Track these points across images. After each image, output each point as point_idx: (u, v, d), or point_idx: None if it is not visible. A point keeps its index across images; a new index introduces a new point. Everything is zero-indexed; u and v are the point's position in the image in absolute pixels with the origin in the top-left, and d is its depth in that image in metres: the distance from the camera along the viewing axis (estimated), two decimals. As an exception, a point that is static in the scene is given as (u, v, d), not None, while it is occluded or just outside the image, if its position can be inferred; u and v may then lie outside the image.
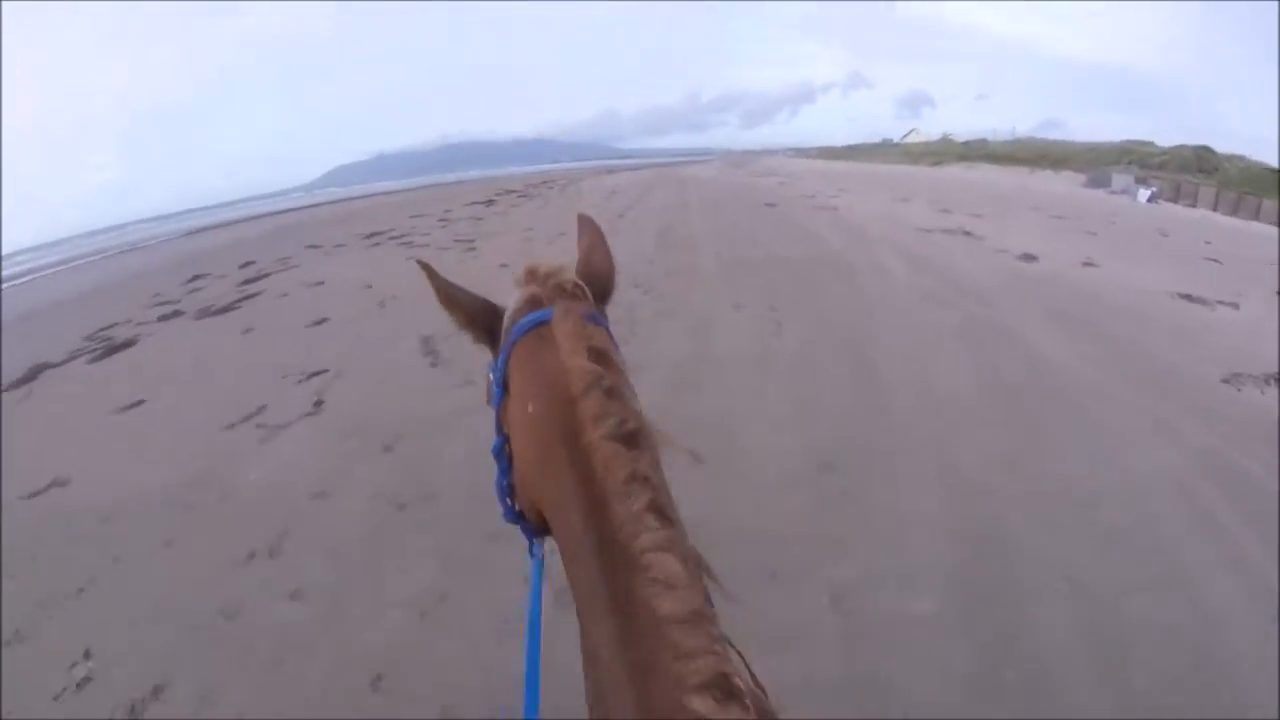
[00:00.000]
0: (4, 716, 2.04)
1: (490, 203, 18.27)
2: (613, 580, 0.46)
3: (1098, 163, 25.16)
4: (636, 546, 0.46)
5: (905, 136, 59.09)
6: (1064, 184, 24.16)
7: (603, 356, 0.58)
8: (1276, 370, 4.31)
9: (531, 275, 0.68)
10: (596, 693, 0.50)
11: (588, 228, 0.81)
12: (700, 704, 0.39)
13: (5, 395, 5.44)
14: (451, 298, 0.74)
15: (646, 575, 0.45)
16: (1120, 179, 22.51)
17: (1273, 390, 4.08)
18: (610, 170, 42.61)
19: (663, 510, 0.49)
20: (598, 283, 0.71)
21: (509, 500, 0.72)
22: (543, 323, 0.62)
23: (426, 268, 0.75)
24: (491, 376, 0.69)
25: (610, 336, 0.65)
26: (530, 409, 0.60)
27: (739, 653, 0.54)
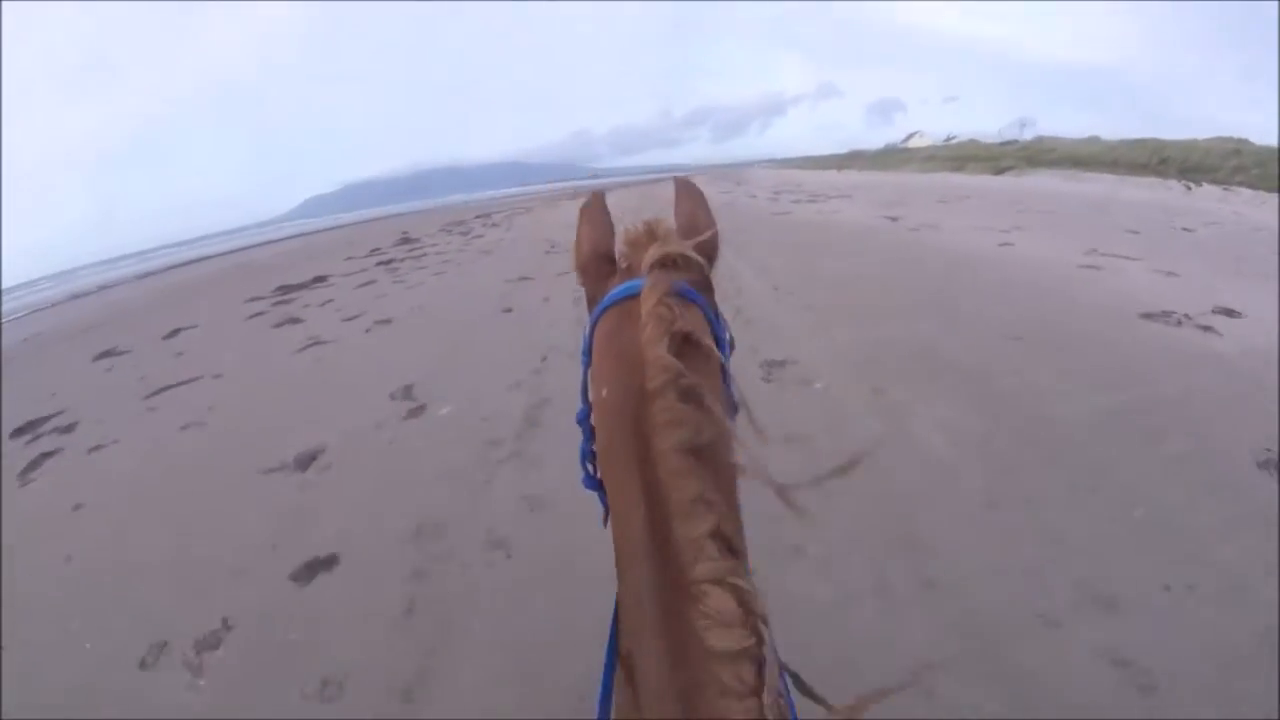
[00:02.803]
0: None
1: (386, 259, 12.65)
2: (664, 598, 0.44)
3: (1201, 168, 19.14)
4: (693, 575, 0.43)
5: (907, 140, 54.13)
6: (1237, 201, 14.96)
7: (690, 344, 0.52)
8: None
9: (629, 240, 0.64)
10: (632, 700, 0.48)
11: (686, 192, 0.73)
12: None
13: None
14: (596, 240, 0.68)
15: (699, 607, 0.42)
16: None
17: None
18: (575, 194, 35.87)
19: (727, 538, 0.45)
20: (700, 250, 0.62)
21: (589, 466, 0.67)
22: (631, 296, 0.56)
23: (597, 202, 0.74)
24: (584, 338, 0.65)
25: (706, 314, 0.59)
26: (604, 394, 0.56)
27: (796, 676, 0.51)
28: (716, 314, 0.62)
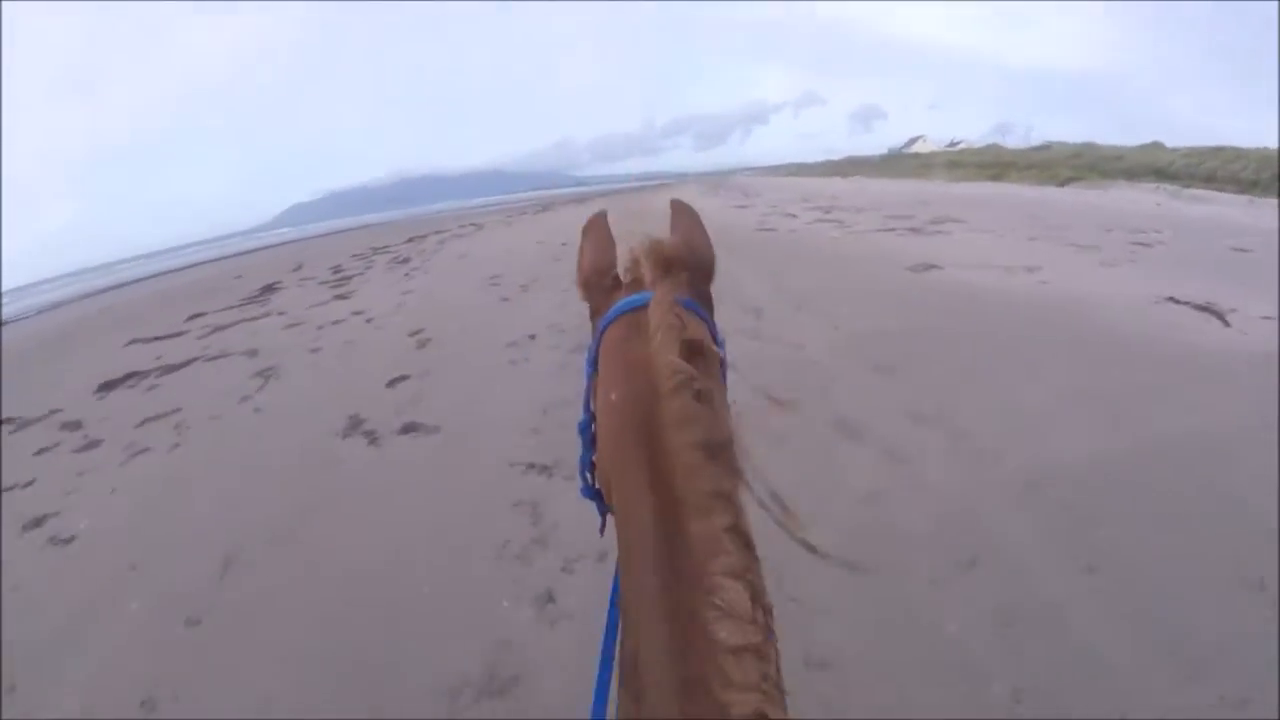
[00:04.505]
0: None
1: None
2: (674, 593, 0.44)
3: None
4: (710, 568, 0.43)
5: (909, 145, 51.44)
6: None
7: (697, 353, 0.54)
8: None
9: (635, 257, 0.66)
10: (634, 694, 0.49)
11: (683, 214, 0.78)
12: None
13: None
14: (599, 256, 0.73)
15: (711, 598, 0.42)
16: None
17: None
18: (543, 207, 32.25)
19: (745, 535, 0.46)
20: (700, 268, 0.68)
21: (588, 476, 0.72)
22: (638, 308, 0.60)
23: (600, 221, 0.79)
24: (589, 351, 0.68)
25: (709, 327, 0.63)
26: (614, 397, 0.58)
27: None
28: (717, 330, 0.66)
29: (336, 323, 7.85)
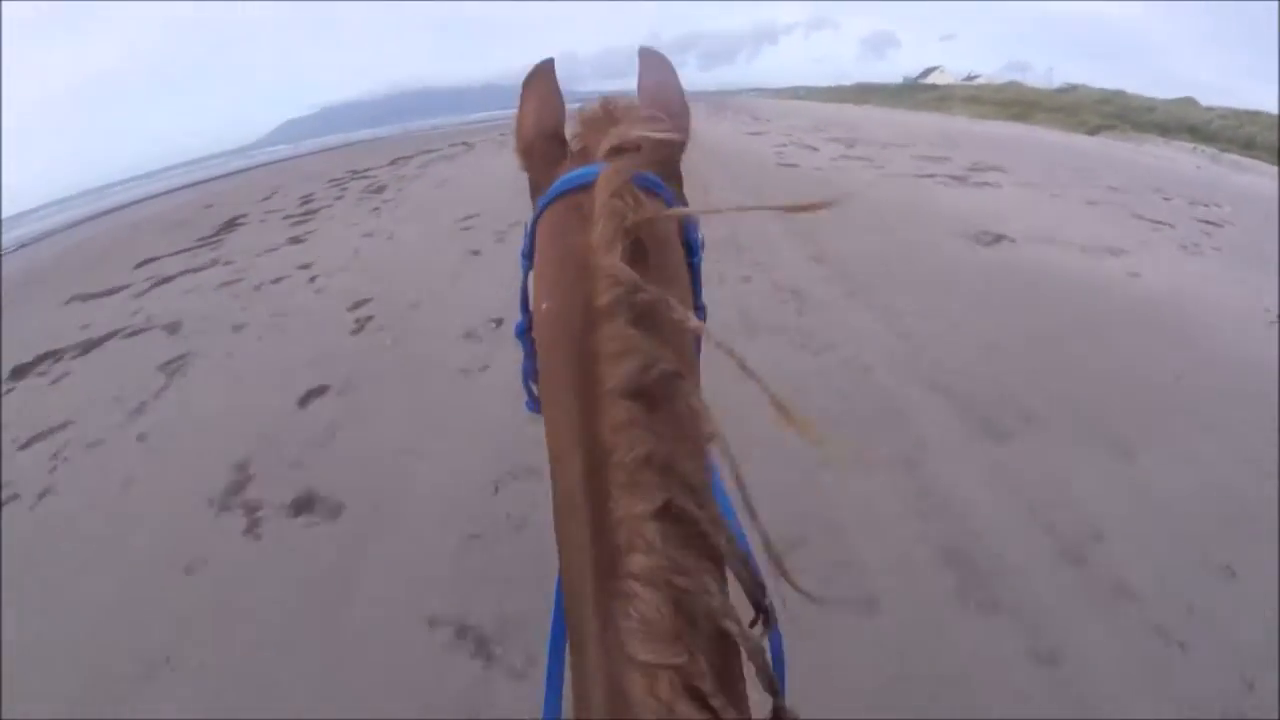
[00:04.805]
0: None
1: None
2: (598, 579, 0.35)
3: None
4: (624, 566, 0.34)
5: (925, 76, 46.74)
6: None
7: (647, 249, 0.42)
8: None
9: (584, 119, 0.55)
10: (579, 688, 0.39)
11: (653, 63, 0.62)
12: None
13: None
14: (543, 117, 0.57)
15: (626, 604, 0.33)
16: None
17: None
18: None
19: (681, 518, 0.35)
20: (670, 134, 0.50)
21: (533, 387, 0.57)
22: (583, 186, 0.46)
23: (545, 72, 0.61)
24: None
25: (672, 209, 0.48)
26: (544, 307, 0.46)
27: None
28: (693, 225, 0.55)
29: (277, 280, 6.56)
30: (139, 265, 8.59)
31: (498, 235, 6.81)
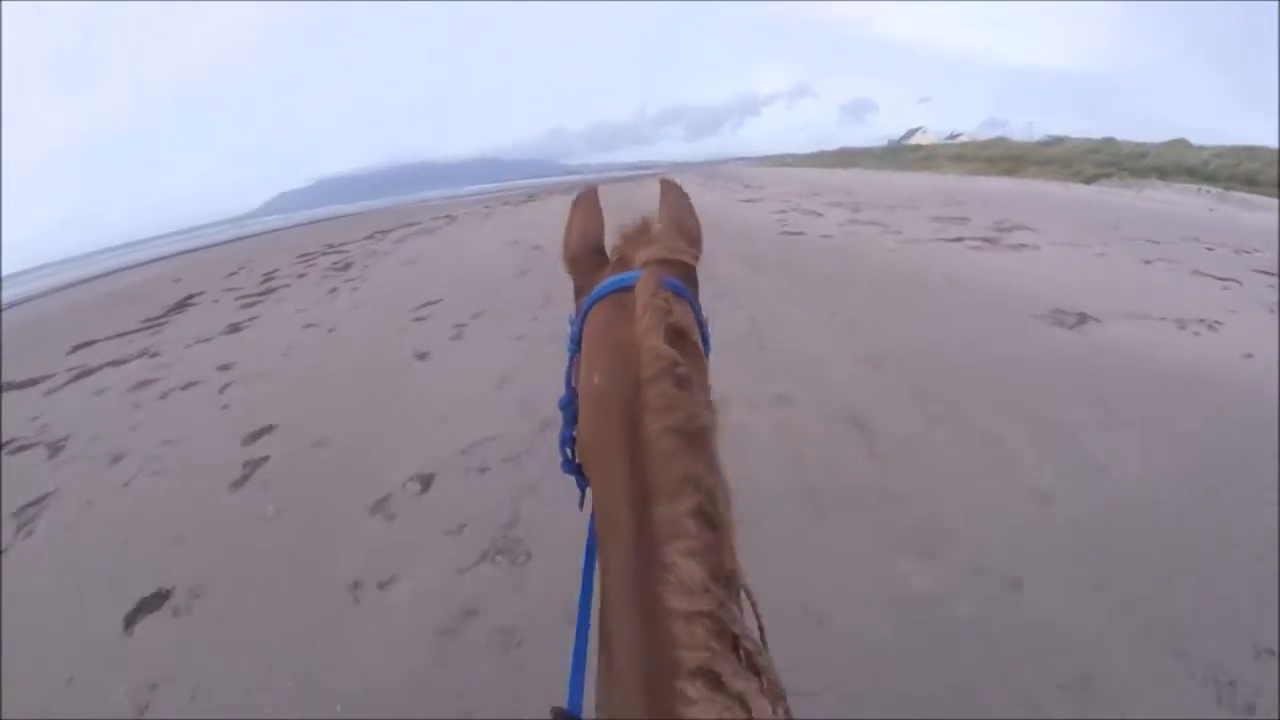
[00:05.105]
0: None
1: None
2: (641, 575, 0.45)
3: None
4: (669, 549, 0.45)
5: (909, 137, 48.25)
6: None
7: (682, 337, 0.55)
8: None
9: (624, 235, 0.67)
10: (608, 660, 0.48)
11: (671, 193, 0.76)
12: (691, 689, 0.40)
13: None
14: (587, 231, 0.72)
15: (667, 576, 0.44)
16: None
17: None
18: (529, 196, 28.95)
19: (708, 516, 0.47)
20: (688, 249, 0.67)
21: (569, 451, 0.71)
22: (625, 288, 0.59)
23: (590, 196, 0.76)
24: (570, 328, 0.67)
25: (695, 311, 0.62)
26: (596, 380, 0.57)
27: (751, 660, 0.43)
28: (701, 313, 0.65)
29: (187, 387, 5.43)
30: (74, 349, 7.88)
31: (455, 330, 5.73)
